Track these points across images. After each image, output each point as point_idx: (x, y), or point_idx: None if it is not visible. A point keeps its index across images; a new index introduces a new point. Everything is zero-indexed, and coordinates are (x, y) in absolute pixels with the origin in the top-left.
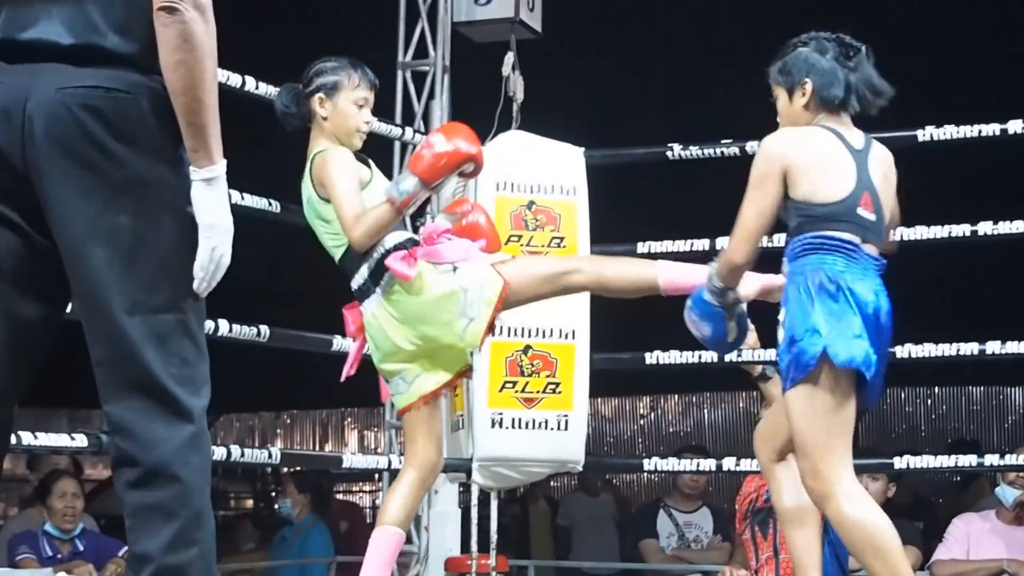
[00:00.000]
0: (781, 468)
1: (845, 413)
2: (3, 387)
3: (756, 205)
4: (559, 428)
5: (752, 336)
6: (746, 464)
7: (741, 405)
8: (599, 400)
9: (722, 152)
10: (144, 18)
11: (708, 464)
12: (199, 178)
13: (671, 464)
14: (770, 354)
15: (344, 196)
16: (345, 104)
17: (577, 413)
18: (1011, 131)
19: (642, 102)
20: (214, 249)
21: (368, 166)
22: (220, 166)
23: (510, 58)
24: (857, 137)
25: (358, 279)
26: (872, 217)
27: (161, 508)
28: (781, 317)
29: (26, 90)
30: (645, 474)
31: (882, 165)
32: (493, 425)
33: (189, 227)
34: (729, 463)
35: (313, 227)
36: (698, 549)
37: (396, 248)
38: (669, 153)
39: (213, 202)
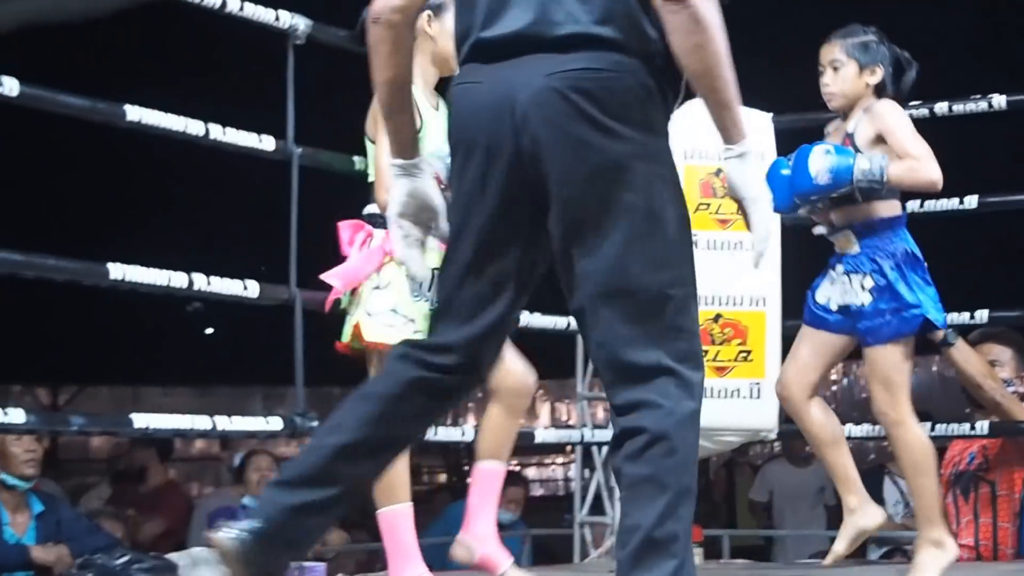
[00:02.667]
0: (814, 404)
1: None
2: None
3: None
4: (751, 396)
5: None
6: (940, 429)
7: (934, 368)
8: None
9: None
10: (622, 8)
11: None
12: (732, 154)
13: (865, 430)
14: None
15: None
16: (450, 25)
17: (769, 381)
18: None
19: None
20: (761, 221)
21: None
22: (749, 140)
23: None
24: None
25: None
26: None
27: (655, 480)
28: (867, 283)
29: (512, 83)
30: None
31: None
32: None
33: (682, 199)
34: (940, 428)
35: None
36: None
37: None
38: None
39: (750, 176)
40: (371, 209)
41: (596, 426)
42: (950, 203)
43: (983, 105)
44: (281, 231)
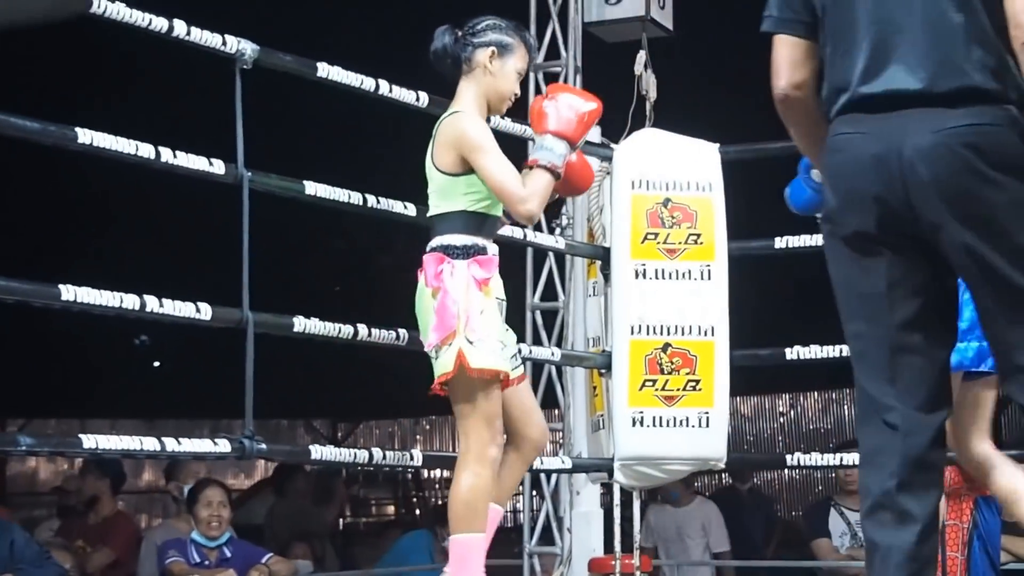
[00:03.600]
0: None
1: None
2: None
3: None
4: (700, 425)
5: None
6: None
7: None
8: (738, 399)
9: None
10: (994, 53)
11: (851, 458)
12: None
13: (814, 459)
14: None
15: (500, 164)
16: (511, 70)
17: (718, 410)
18: None
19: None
20: None
21: None
22: None
23: (642, 56)
24: None
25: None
26: None
27: None
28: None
29: (899, 137)
30: (787, 471)
31: None
32: (634, 424)
33: None
34: None
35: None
36: None
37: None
38: None
39: None
40: (446, 241)
41: (545, 456)
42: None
43: None
44: (233, 255)
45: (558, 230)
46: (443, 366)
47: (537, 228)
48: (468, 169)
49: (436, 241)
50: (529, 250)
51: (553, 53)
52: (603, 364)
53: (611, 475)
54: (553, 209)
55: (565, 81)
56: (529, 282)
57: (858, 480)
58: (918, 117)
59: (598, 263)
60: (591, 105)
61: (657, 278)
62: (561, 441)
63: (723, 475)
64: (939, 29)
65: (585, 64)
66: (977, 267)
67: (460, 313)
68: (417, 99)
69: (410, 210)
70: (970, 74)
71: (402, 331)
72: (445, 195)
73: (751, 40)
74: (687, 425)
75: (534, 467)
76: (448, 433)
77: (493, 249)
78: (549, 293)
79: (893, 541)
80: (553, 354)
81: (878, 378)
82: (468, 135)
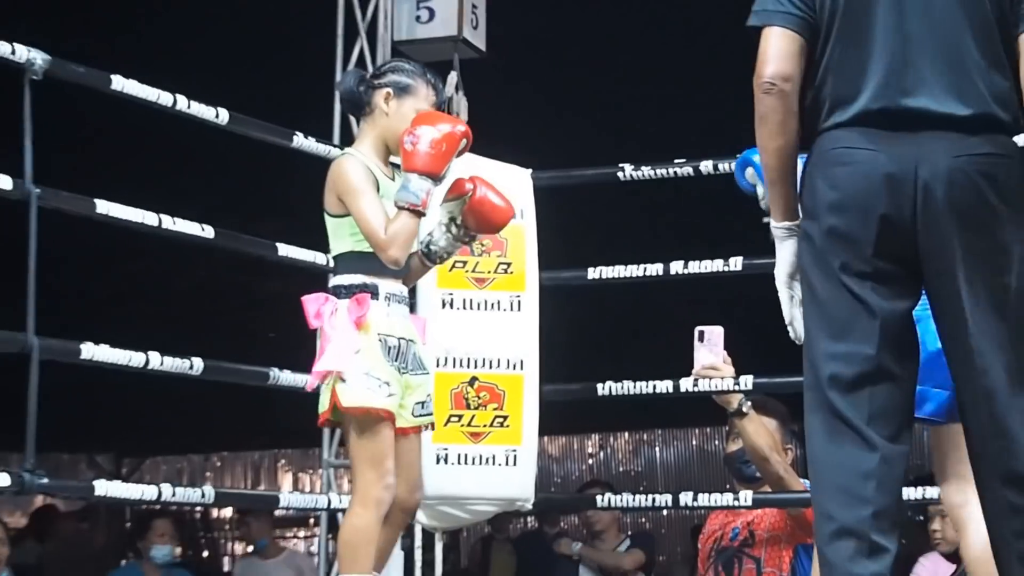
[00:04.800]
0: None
1: None
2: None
3: None
4: (507, 464)
5: (727, 367)
6: (704, 499)
7: (694, 443)
8: (546, 439)
9: (675, 172)
10: (1008, 82)
11: (664, 499)
12: None
13: (625, 500)
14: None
15: (369, 208)
16: (409, 110)
17: (526, 448)
18: (704, 171)
19: (592, 122)
20: None
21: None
22: None
23: (453, 78)
24: None
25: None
26: None
27: None
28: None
29: (915, 158)
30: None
31: None
32: (438, 461)
33: None
34: (686, 498)
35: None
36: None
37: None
38: (620, 174)
39: None
40: (335, 281)
41: (341, 492)
42: (714, 264)
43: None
44: (18, 275)
45: None
46: (321, 404)
47: None
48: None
49: (330, 282)
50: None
51: None
52: None
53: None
54: None
55: None
56: None
57: (818, 503)
58: (937, 139)
59: None
60: (446, 129)
61: (465, 308)
62: None
63: (529, 518)
64: (960, 52)
65: None
66: (959, 297)
67: (338, 352)
68: (216, 116)
69: (207, 232)
70: (989, 102)
71: (196, 360)
72: (335, 236)
73: (566, 63)
74: (494, 463)
75: (329, 504)
76: (240, 471)
77: (391, 287)
78: None
79: (867, 571)
80: None
81: (855, 403)
82: (343, 178)
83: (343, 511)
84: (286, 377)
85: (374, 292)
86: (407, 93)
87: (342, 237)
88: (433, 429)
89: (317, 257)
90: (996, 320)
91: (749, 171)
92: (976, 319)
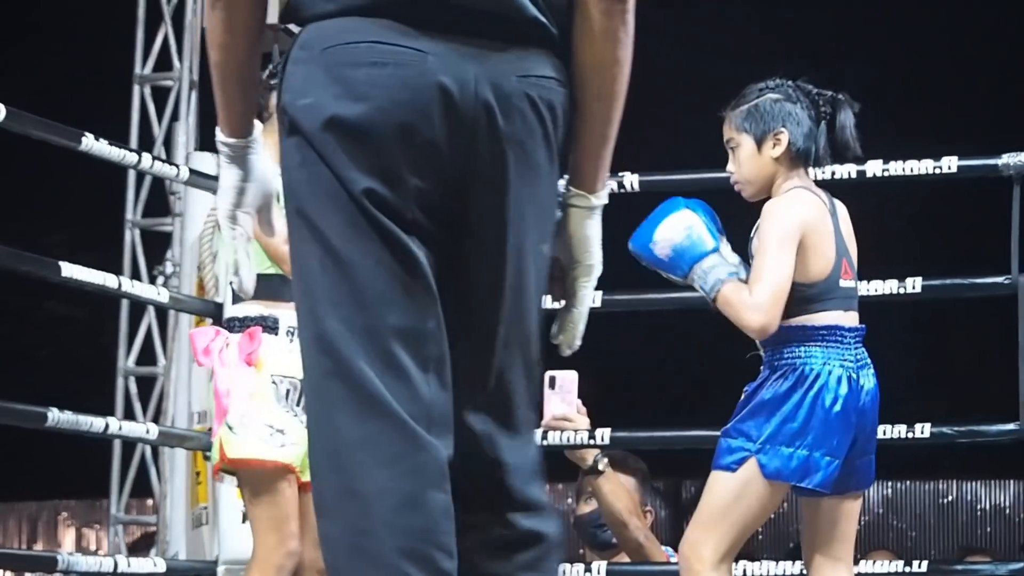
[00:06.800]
0: None
1: None
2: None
3: (787, 262)
4: None
5: (581, 418)
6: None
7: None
8: None
9: None
10: None
11: None
12: (589, 205)
13: None
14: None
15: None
16: None
17: None
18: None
19: None
20: (590, 294)
21: None
22: (605, 195)
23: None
24: (825, 197)
25: None
26: (852, 284)
27: None
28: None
29: (478, 72)
30: None
31: (845, 221)
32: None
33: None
34: None
35: None
36: None
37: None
38: None
39: (596, 237)
40: (233, 312)
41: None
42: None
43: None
44: None
45: (160, 279)
46: (212, 454)
47: (135, 275)
48: None
49: (225, 313)
50: (124, 303)
51: (164, 64)
52: (209, 446)
53: None
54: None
55: (177, 97)
56: (123, 342)
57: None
58: (498, 54)
59: (209, 321)
60: None
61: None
62: (156, 539)
63: None
64: None
65: (203, 78)
66: (498, 272)
67: (227, 395)
68: None
69: None
70: (546, 11)
71: None
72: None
73: None
74: None
75: (116, 568)
76: (14, 525)
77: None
78: (147, 356)
79: None
80: (148, 431)
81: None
82: None
83: None
84: (67, 419)
85: (272, 325)
86: None
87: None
88: None
89: (108, 279)
90: (536, 293)
91: (673, 231)
92: (512, 308)
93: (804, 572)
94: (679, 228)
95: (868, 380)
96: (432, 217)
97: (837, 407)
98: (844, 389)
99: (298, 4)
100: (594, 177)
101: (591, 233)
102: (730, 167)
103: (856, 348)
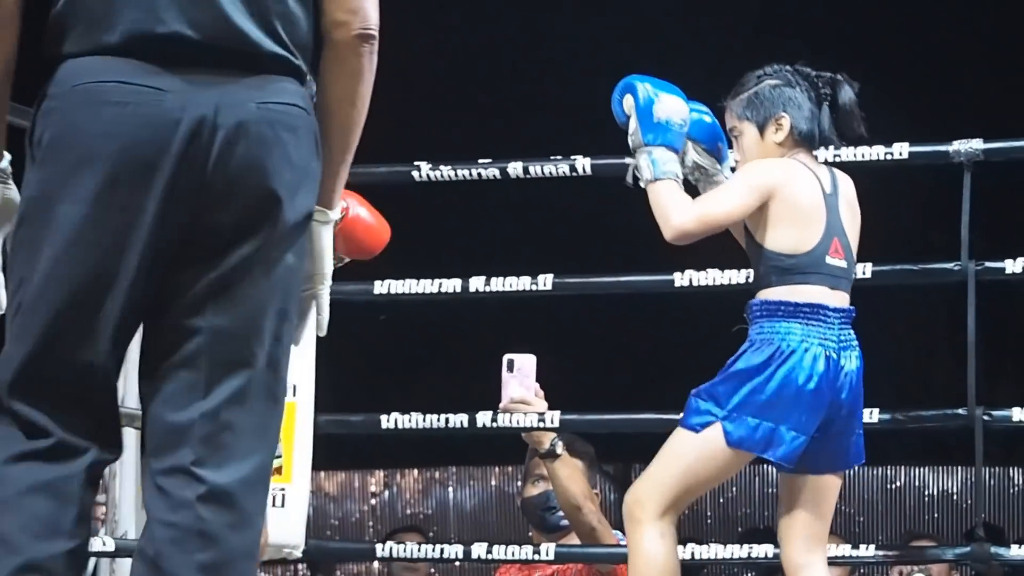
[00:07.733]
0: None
1: None
2: None
3: (740, 203)
4: (275, 504)
5: (539, 401)
6: (499, 551)
7: (493, 483)
8: (322, 474)
9: (479, 174)
10: (310, 31)
11: (454, 551)
12: (327, 220)
13: (411, 551)
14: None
15: None
16: None
17: (297, 486)
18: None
19: (391, 116)
20: (324, 305)
21: None
22: (338, 211)
23: None
24: (825, 176)
25: None
26: (842, 264)
27: None
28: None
29: (215, 103)
30: (376, 563)
31: (850, 203)
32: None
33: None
34: (479, 550)
35: None
36: None
37: None
38: (416, 173)
39: (328, 249)
40: None
41: None
42: (520, 282)
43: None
44: None
45: None
46: None
47: None
48: None
49: None
50: None
51: None
52: None
53: None
54: None
55: None
56: None
57: None
58: (237, 83)
59: None
60: None
61: None
62: (104, 517)
63: (300, 565)
64: None
65: None
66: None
67: None
68: None
69: None
70: (289, 43)
71: None
72: None
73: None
74: None
75: None
76: None
77: None
78: None
79: None
80: None
81: None
82: None
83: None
84: None
85: None
86: None
87: None
88: None
89: None
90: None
91: (628, 100)
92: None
93: (765, 554)
94: (685, 110)
95: (850, 361)
96: (173, 241)
97: (811, 384)
98: (820, 367)
99: (52, 41)
100: (332, 195)
101: (325, 245)
102: (734, 155)
103: (841, 329)
